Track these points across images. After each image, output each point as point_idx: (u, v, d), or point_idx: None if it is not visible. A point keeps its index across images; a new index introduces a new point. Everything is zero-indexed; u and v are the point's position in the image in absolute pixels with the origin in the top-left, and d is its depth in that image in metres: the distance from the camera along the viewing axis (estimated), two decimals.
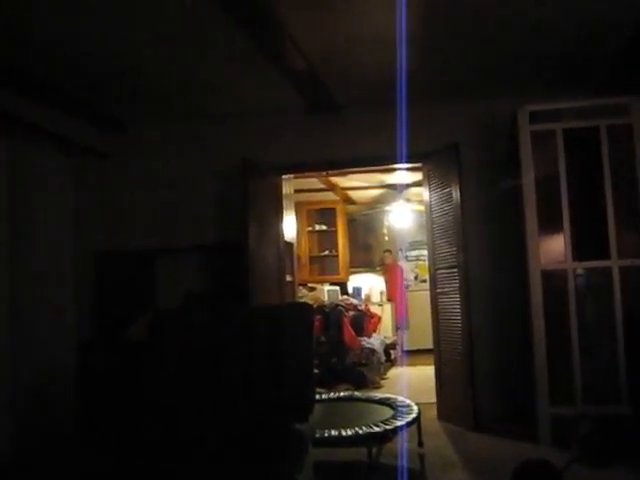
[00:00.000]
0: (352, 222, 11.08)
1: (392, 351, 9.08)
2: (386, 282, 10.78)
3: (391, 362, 8.88)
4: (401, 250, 10.98)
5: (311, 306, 3.17)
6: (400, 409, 4.47)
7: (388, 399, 4.80)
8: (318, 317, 7.37)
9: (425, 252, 10.07)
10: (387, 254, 10.73)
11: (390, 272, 10.69)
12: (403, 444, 4.30)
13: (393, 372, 8.55)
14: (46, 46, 4.31)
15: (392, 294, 10.51)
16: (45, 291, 5.33)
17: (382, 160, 5.90)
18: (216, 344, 2.94)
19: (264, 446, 2.40)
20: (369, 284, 10.85)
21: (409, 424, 4.24)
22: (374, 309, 9.73)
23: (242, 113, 5.82)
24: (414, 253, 10.79)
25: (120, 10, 3.83)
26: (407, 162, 5.89)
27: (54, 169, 5.53)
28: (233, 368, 2.83)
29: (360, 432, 3.97)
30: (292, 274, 6.40)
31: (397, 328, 10.13)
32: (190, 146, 6.01)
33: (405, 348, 9.80)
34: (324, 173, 7.64)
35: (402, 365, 9.06)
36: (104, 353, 5.08)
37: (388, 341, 8.99)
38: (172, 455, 2.51)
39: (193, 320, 3.21)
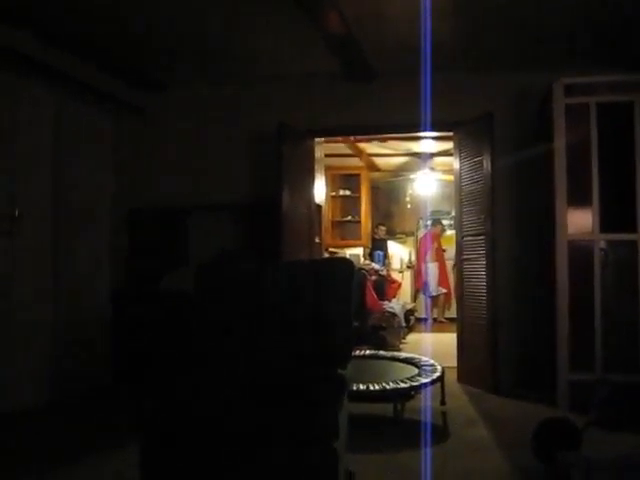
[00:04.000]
0: (375, 189, 11.18)
1: (411, 317, 9.26)
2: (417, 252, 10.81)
3: (409, 327, 9.06)
4: (422, 219, 11.07)
5: (351, 261, 3.31)
6: (424, 368, 4.64)
7: (413, 358, 4.97)
8: None
9: (446, 222, 10.26)
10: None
11: (422, 242, 10.69)
12: (427, 401, 4.49)
13: (411, 337, 8.73)
14: (91, 6, 4.43)
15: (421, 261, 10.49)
16: (84, 240, 5.52)
17: (413, 127, 5.99)
18: (261, 295, 3.10)
19: (309, 388, 2.57)
20: (391, 251, 10.99)
21: (433, 382, 4.42)
22: (394, 275, 9.90)
23: (278, 77, 5.91)
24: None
25: None
26: (439, 130, 5.99)
27: (95, 122, 5.69)
28: (278, 317, 2.99)
29: (387, 387, 4.16)
30: (320, 236, 6.56)
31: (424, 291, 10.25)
32: (226, 108, 6.12)
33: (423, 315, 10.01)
34: (352, 138, 7.75)
35: (422, 331, 9.27)
36: (142, 303, 5.25)
37: (408, 307, 9.17)
38: (220, 400, 2.67)
39: (238, 272, 3.36)
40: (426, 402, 4.52)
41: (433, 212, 11.02)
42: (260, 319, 3.08)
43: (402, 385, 4.20)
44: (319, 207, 6.54)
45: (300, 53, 5.40)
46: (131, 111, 6.03)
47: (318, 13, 4.55)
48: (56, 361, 5.04)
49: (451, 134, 6.04)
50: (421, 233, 10.94)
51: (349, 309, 3.06)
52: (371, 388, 4.11)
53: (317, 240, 6.30)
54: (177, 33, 4.98)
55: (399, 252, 11.14)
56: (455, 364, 5.81)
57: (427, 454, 3.68)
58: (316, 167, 6.34)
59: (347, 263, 3.18)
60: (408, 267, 10.98)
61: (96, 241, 5.72)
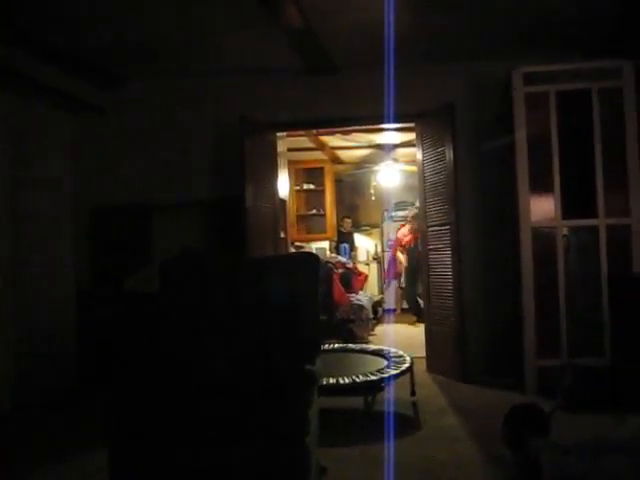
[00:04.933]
0: (339, 182, 11.17)
1: (379, 308, 9.29)
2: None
3: (377, 319, 9.09)
4: (387, 211, 11.09)
5: (316, 255, 3.29)
6: (393, 359, 4.65)
7: (381, 350, 4.98)
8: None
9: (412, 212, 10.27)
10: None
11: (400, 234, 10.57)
12: (397, 392, 4.49)
13: (379, 329, 8.76)
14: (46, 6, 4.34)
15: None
16: (44, 241, 5.40)
17: (376, 119, 5.96)
18: (228, 293, 3.06)
19: (279, 384, 2.54)
20: (357, 243, 10.99)
21: (402, 373, 4.43)
22: (361, 268, 9.92)
23: (240, 72, 5.84)
24: (400, 213, 10.92)
25: None
26: (401, 122, 5.99)
27: (54, 123, 5.56)
28: (244, 314, 2.96)
29: (357, 380, 4.15)
30: (285, 231, 6.52)
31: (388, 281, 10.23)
32: (188, 104, 6.02)
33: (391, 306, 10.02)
34: (315, 132, 7.72)
35: (390, 322, 9.31)
36: (108, 304, 5.17)
37: (375, 299, 9.19)
38: (188, 398, 2.64)
39: (201, 270, 3.31)
40: (396, 393, 4.52)
41: (397, 203, 11.05)
42: (225, 316, 3.04)
43: (372, 377, 4.20)
44: (283, 202, 6.50)
45: (261, 47, 5.33)
46: (90, 110, 5.90)
47: (277, 7, 4.50)
48: (19, 364, 4.93)
49: (413, 125, 6.05)
50: (387, 224, 10.92)
51: (316, 304, 3.04)
52: (341, 382, 4.10)
53: (282, 235, 6.27)
54: (136, 31, 4.89)
55: (365, 244, 11.16)
56: (424, 354, 5.84)
57: (392, 447, 3.67)
58: (279, 161, 6.30)
59: (312, 258, 3.16)
60: (374, 259, 11.00)
61: (57, 242, 5.61)
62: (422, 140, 5.86)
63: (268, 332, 2.86)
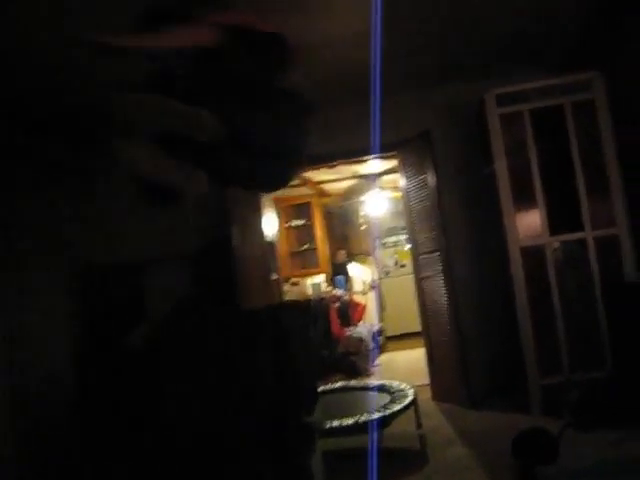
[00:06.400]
0: (328, 214, 11.18)
1: (379, 338, 9.23)
2: None
3: (380, 348, 9.02)
4: (378, 238, 11.10)
5: (304, 303, 3.26)
6: (396, 394, 4.60)
7: (384, 385, 4.92)
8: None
9: (403, 237, 10.31)
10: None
11: None
12: (403, 426, 4.44)
13: (382, 358, 8.69)
14: None
15: None
16: (38, 306, 5.36)
17: (356, 153, 5.97)
18: (218, 351, 3.02)
19: (276, 440, 2.50)
20: (351, 273, 10.96)
21: (406, 407, 4.37)
22: (358, 298, 9.86)
23: None
24: (392, 239, 10.92)
25: None
26: (381, 152, 6.00)
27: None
28: (239, 370, 2.92)
29: (360, 420, 4.10)
30: (277, 271, 6.50)
31: None
32: None
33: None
34: None
35: (393, 350, 9.25)
36: (102, 367, 5.10)
37: (375, 328, 9.13)
38: (183, 460, 2.59)
39: (192, 328, 3.28)
40: (401, 427, 4.47)
41: (388, 229, 11.07)
42: (219, 372, 3.00)
43: (375, 416, 4.14)
44: (271, 243, 6.48)
45: None
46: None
47: None
48: (14, 435, 4.85)
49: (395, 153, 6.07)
50: (380, 251, 10.96)
51: (309, 355, 3.00)
52: (344, 424, 4.05)
53: (274, 277, 6.24)
54: None
55: (360, 274, 11.13)
56: (428, 381, 5.80)
57: None
58: (264, 202, 6.29)
59: (300, 307, 3.13)
60: (372, 287, 10.96)
61: (47, 305, 5.57)
62: (404, 169, 5.88)
63: (262, 388, 2.81)
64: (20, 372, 4.94)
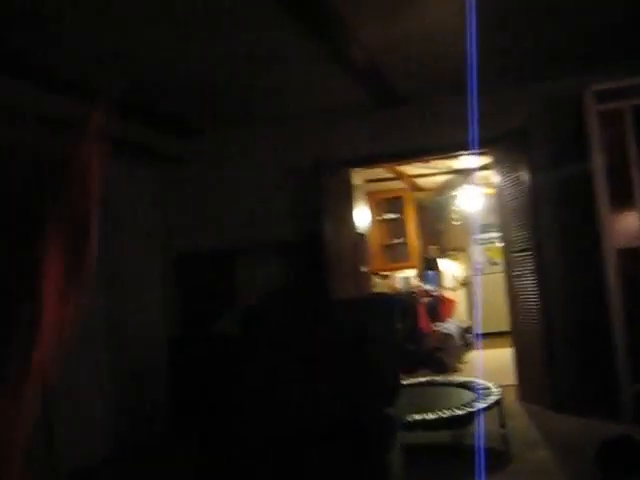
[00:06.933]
0: (421, 209, 11.13)
1: (467, 335, 9.13)
2: None
3: (468, 346, 8.92)
4: (472, 235, 10.95)
5: (390, 296, 3.32)
6: (481, 392, 4.58)
7: (469, 383, 4.92)
8: None
9: (495, 235, 10.12)
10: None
11: None
12: (487, 425, 4.42)
13: (470, 356, 8.60)
14: (125, 61, 4.56)
15: None
16: (135, 291, 5.67)
17: (450, 149, 5.95)
18: (304, 338, 3.13)
19: (358, 429, 2.58)
20: (442, 269, 10.88)
21: (491, 406, 4.35)
22: (448, 294, 9.79)
23: (308, 111, 5.97)
24: (485, 236, 10.76)
25: (197, 23, 4.01)
26: (477, 148, 5.94)
27: (138, 179, 5.87)
28: (323, 360, 3.02)
29: (443, 416, 4.12)
30: (366, 264, 6.56)
31: None
32: (262, 148, 6.21)
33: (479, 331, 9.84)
34: None
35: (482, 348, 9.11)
36: (197, 347, 5.34)
37: (464, 325, 9.04)
38: (269, 447, 2.70)
39: (282, 316, 3.40)
40: (485, 426, 4.45)
41: (483, 225, 10.90)
42: (304, 363, 3.11)
43: (458, 412, 4.16)
44: (362, 235, 6.55)
45: (329, 87, 5.43)
46: (173, 162, 6.19)
47: (339, 46, 4.59)
48: (113, 412, 5.16)
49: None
50: (475, 248, 10.81)
51: (393, 348, 3.06)
52: (427, 418, 4.08)
53: (363, 269, 6.32)
54: (209, 82, 5.08)
55: (451, 269, 11.02)
56: (515, 381, 5.72)
57: None
58: (356, 195, 6.37)
59: (386, 301, 3.19)
60: (462, 284, 10.85)
61: (146, 290, 5.88)
62: (499, 165, 5.80)
63: (347, 379, 2.90)
64: (118, 353, 5.27)
